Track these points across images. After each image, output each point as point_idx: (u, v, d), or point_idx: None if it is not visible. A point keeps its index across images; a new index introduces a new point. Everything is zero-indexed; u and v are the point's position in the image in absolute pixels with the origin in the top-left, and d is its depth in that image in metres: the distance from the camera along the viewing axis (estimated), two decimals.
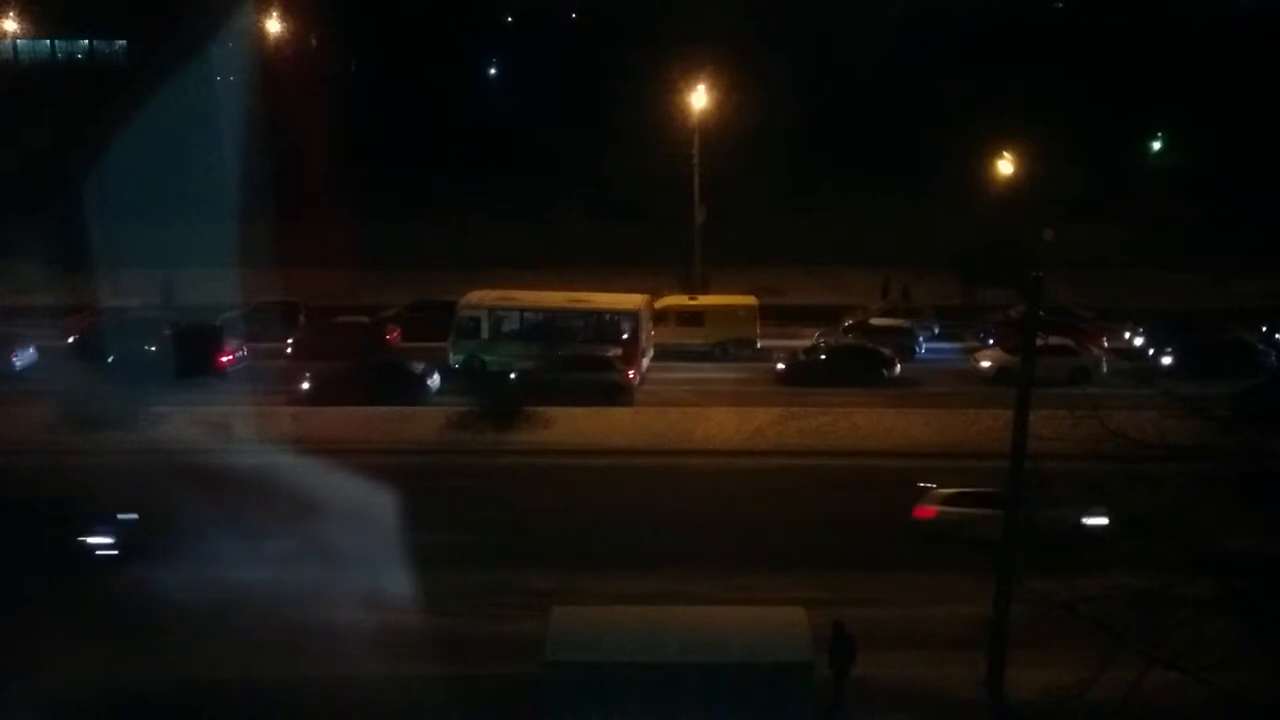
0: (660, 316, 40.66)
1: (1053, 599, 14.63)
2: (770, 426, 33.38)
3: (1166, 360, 38.13)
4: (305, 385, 35.75)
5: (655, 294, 42.59)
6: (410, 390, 35.92)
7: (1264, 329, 40.47)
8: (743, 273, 48.75)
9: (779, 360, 38.60)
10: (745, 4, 71.26)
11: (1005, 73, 65.87)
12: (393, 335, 41.42)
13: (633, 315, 38.01)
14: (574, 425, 33.63)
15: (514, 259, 49.26)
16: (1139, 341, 40.63)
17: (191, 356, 36.66)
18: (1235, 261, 47.82)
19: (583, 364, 36.29)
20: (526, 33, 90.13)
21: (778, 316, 43.88)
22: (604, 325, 38.23)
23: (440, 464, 30.84)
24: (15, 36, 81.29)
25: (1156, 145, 70.03)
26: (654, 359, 39.73)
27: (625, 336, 37.79)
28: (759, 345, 40.48)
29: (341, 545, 24.19)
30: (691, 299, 42.17)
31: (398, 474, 27.50)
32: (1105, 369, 37.21)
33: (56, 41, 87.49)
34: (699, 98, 47.44)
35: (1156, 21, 75.47)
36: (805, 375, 37.66)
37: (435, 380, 36.70)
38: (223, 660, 20.62)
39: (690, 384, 38.09)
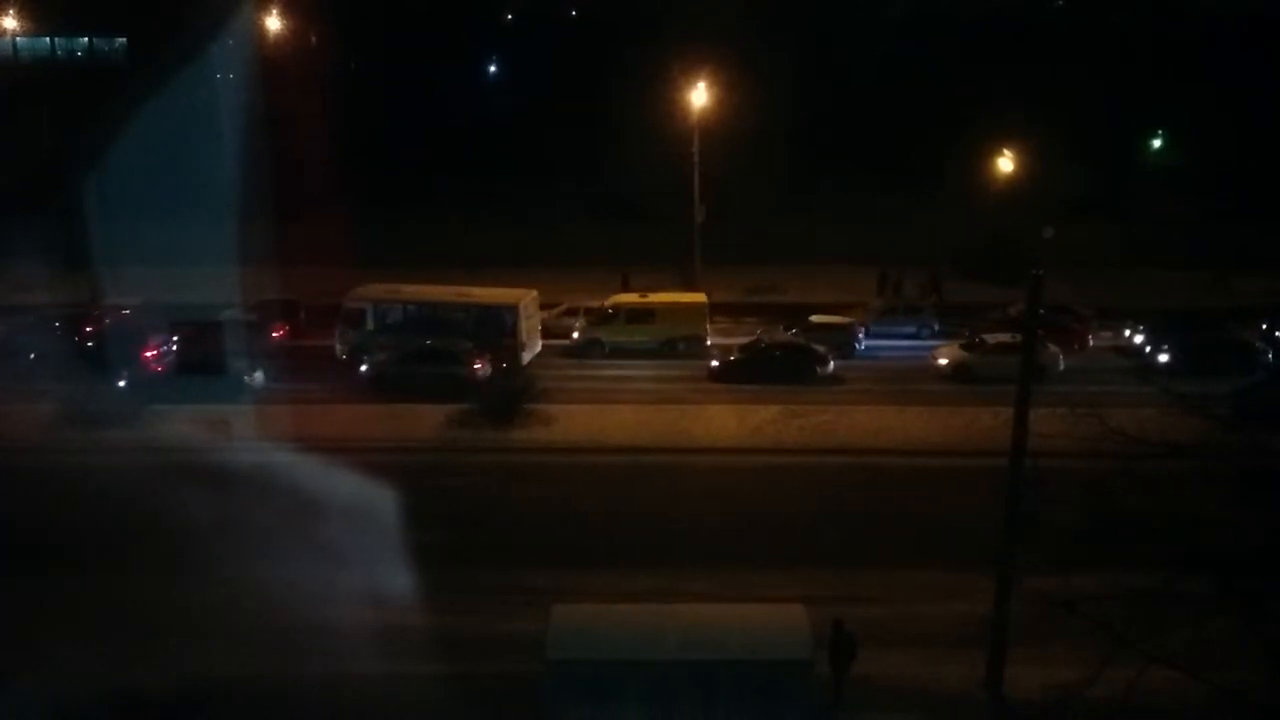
0: (611, 314, 40.96)
1: (1053, 598, 14.63)
2: (770, 424, 33.39)
3: (1165, 358, 38.22)
4: (121, 383, 35.62)
5: (645, 291, 42.82)
6: (228, 387, 35.62)
7: (1264, 327, 40.52)
8: (750, 272, 48.74)
9: (713, 358, 38.73)
10: (745, 3, 71.27)
11: (1005, 73, 65.82)
12: (280, 333, 41.50)
13: (512, 310, 38.44)
14: (574, 423, 33.67)
15: (514, 258, 49.24)
16: (1138, 339, 40.66)
17: (117, 352, 36.48)
18: (1235, 260, 47.82)
19: (430, 357, 36.18)
20: (526, 32, 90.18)
21: (779, 315, 43.91)
22: (484, 319, 38.56)
23: (440, 462, 30.84)
24: (15, 34, 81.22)
25: (1156, 144, 69.98)
26: (608, 355, 40.19)
27: (505, 331, 38.19)
28: (709, 342, 40.56)
29: (341, 543, 24.15)
30: (641, 296, 42.22)
31: (397, 472, 27.46)
32: (1061, 366, 37.15)
33: (56, 40, 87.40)
34: (699, 96, 47.40)
35: (1156, 21, 75.46)
36: (735, 373, 37.75)
37: (258, 378, 36.68)
38: (223, 660, 20.61)
39: (615, 380, 38.19)
